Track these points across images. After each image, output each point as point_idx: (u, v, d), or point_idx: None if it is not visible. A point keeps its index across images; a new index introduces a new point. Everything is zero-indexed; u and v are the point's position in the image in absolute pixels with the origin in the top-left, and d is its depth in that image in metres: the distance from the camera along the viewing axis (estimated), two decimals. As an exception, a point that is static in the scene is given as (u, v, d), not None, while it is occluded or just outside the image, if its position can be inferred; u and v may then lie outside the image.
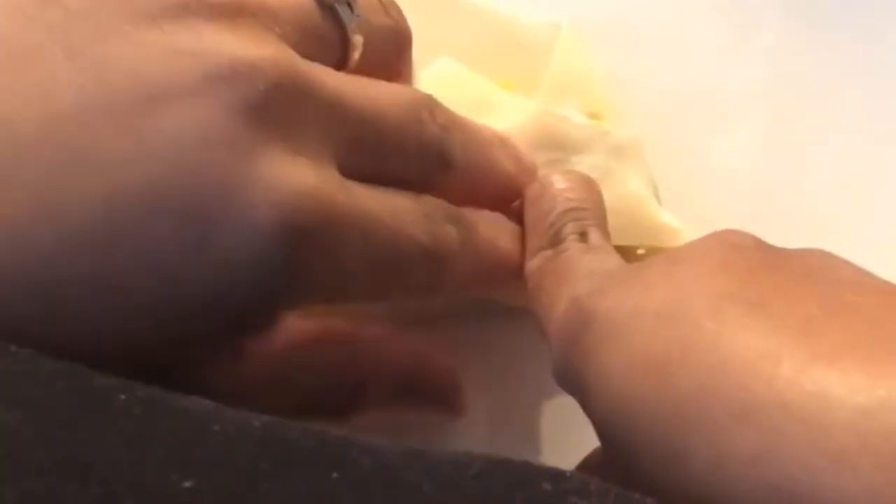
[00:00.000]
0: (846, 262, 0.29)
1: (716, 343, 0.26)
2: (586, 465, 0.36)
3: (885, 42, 0.51)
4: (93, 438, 0.21)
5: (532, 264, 0.37)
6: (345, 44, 0.34)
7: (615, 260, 0.35)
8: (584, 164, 0.41)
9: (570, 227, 0.37)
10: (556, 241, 0.37)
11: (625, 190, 0.42)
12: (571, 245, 0.36)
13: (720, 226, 0.31)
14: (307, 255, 0.29)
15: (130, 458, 0.21)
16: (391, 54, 0.38)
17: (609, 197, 0.39)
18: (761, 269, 0.28)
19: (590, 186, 0.39)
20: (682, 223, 0.42)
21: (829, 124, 0.49)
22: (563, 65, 0.44)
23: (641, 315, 0.28)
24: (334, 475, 0.22)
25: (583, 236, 0.37)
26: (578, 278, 0.34)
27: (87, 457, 0.21)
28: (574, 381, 0.31)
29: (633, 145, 0.43)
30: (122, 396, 0.23)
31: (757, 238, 0.31)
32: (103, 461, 0.21)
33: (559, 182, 0.39)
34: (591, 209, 0.38)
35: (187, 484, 0.21)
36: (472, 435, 0.41)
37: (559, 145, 0.42)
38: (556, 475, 0.24)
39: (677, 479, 0.26)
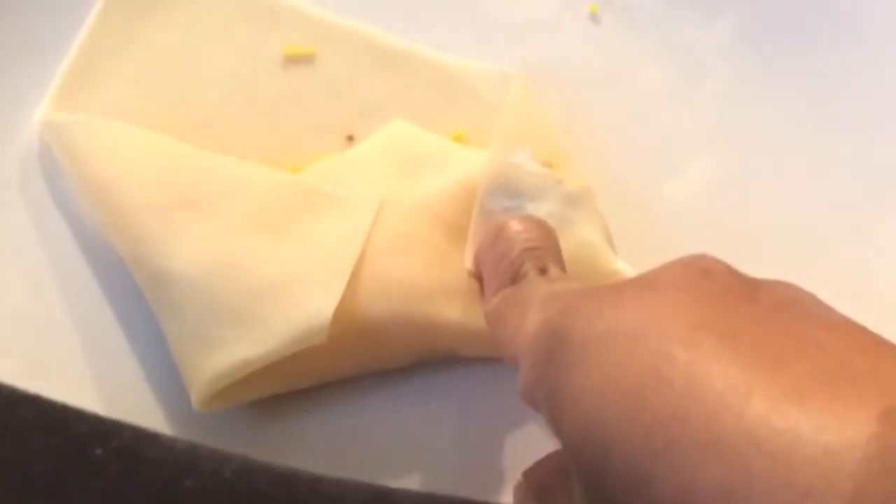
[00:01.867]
0: (811, 296, 0.30)
1: (688, 373, 0.26)
2: (533, 475, 0.36)
3: (829, 86, 0.52)
4: (71, 501, 0.22)
5: (493, 301, 0.38)
6: None
7: (580, 284, 0.35)
8: (539, 213, 0.42)
9: (529, 265, 0.37)
10: (516, 278, 0.37)
11: (579, 238, 0.43)
12: (534, 278, 0.37)
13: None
14: None
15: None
16: None
17: (563, 245, 0.39)
18: (733, 298, 0.29)
19: (545, 228, 0.39)
20: (635, 269, 0.42)
21: (777, 165, 0.50)
22: (514, 114, 0.45)
23: (614, 337, 0.28)
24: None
25: (542, 271, 0.37)
26: (546, 302, 0.33)
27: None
28: (544, 401, 0.31)
29: (586, 194, 0.44)
30: (98, 451, 0.23)
31: (727, 265, 0.31)
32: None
33: (515, 225, 0.39)
34: (547, 248, 0.38)
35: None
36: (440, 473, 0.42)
37: (514, 193, 0.43)
38: None
39: None
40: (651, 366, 0.27)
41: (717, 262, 0.31)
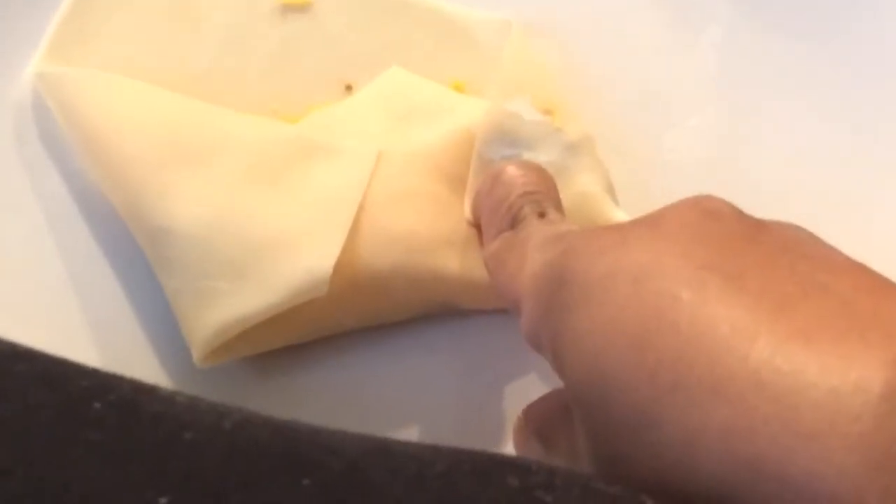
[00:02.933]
0: (816, 239, 0.30)
1: (693, 315, 0.26)
2: (534, 413, 0.36)
3: (830, 33, 0.51)
4: (70, 457, 0.21)
5: (492, 246, 0.37)
6: None
7: (580, 227, 0.35)
8: (538, 161, 0.42)
9: (528, 209, 0.37)
10: (515, 222, 0.37)
11: (577, 187, 0.42)
12: (532, 221, 0.36)
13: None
14: None
15: (106, 475, 0.21)
16: None
17: (562, 194, 0.39)
18: (738, 239, 0.28)
19: (543, 173, 0.39)
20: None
21: (779, 114, 0.49)
22: (514, 63, 0.45)
23: (618, 277, 0.28)
24: (305, 482, 0.22)
25: (541, 215, 0.37)
26: (547, 243, 0.33)
27: (64, 477, 0.21)
28: (547, 342, 0.31)
29: (586, 142, 0.44)
30: (97, 405, 0.23)
31: (733, 206, 0.30)
32: (80, 481, 0.21)
33: (513, 170, 0.39)
34: (546, 192, 0.38)
35: (163, 500, 0.21)
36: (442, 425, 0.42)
37: (512, 142, 0.42)
38: (521, 469, 0.24)
39: (647, 447, 0.26)
40: (655, 307, 0.27)
41: (723, 202, 0.30)
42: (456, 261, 0.42)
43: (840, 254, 0.29)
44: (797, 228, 0.30)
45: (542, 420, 0.35)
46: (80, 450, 0.22)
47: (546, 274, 0.31)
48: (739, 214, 0.30)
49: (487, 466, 0.24)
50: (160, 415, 0.23)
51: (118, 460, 0.22)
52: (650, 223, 0.30)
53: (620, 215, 0.43)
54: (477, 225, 0.41)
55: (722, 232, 0.29)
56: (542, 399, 0.36)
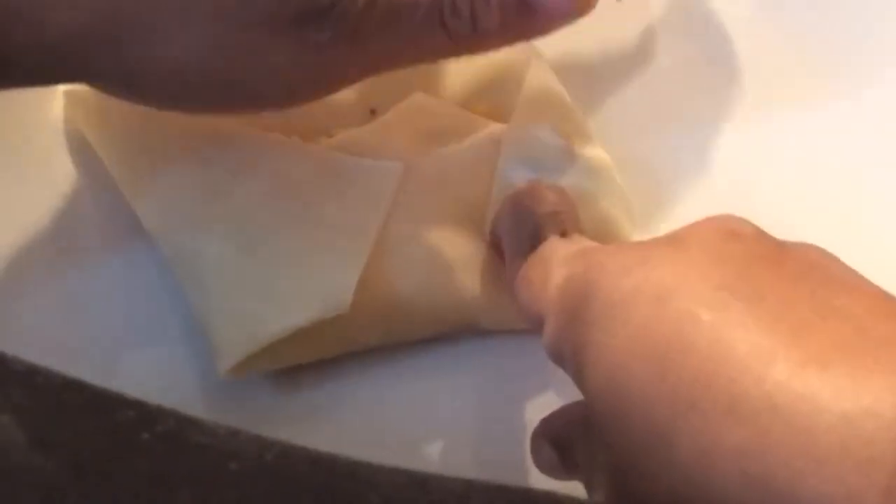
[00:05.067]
0: (838, 262, 0.30)
1: (712, 336, 0.26)
2: (552, 423, 0.37)
3: (852, 50, 0.52)
4: (121, 482, 0.22)
5: (514, 266, 0.38)
6: None
7: (602, 245, 0.36)
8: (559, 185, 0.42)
9: (549, 229, 0.38)
10: (536, 242, 0.38)
11: (598, 211, 0.43)
12: (554, 241, 0.37)
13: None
14: None
15: (155, 501, 0.22)
16: None
17: (582, 218, 0.40)
18: (759, 261, 0.29)
19: (564, 195, 0.40)
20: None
21: (800, 135, 0.50)
22: (534, 89, 0.45)
23: (640, 296, 0.29)
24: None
25: (563, 235, 0.38)
26: (571, 260, 0.34)
27: (116, 501, 0.22)
28: (570, 356, 0.31)
29: (606, 166, 0.44)
30: (145, 435, 0.24)
31: (755, 226, 0.31)
32: (132, 506, 0.22)
33: (534, 192, 0.40)
34: (567, 213, 0.39)
35: (209, 529, 0.22)
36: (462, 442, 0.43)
37: (534, 166, 0.43)
38: (551, 501, 0.25)
39: (663, 463, 0.27)
40: (676, 326, 0.27)
41: (745, 222, 0.31)
42: (477, 281, 0.43)
43: (859, 277, 0.29)
44: (817, 250, 0.31)
45: (560, 430, 0.36)
46: (131, 476, 0.23)
47: (570, 289, 0.32)
48: (761, 235, 0.31)
49: (520, 502, 0.25)
50: (205, 446, 0.24)
51: (167, 488, 0.23)
52: (672, 242, 0.31)
53: (637, 240, 0.43)
54: (497, 246, 0.42)
55: (743, 253, 0.29)
56: (561, 410, 0.37)
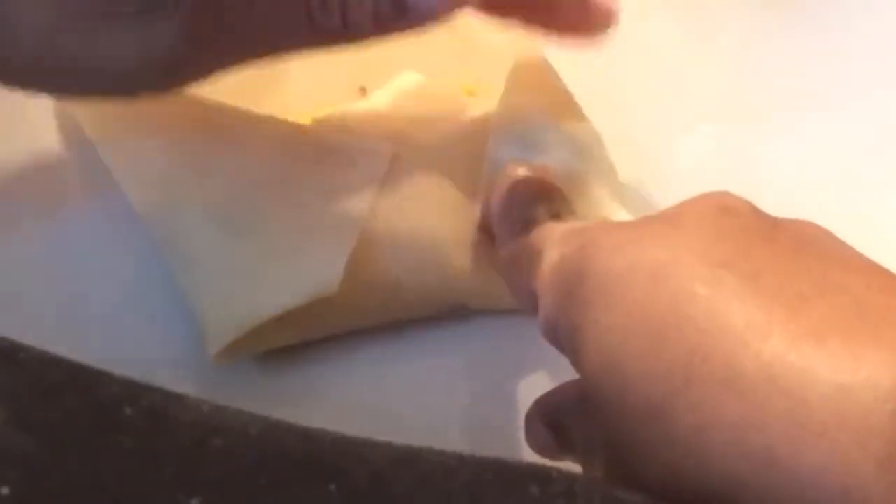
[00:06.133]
0: (834, 237, 0.30)
1: (709, 311, 0.27)
2: (546, 403, 0.37)
3: (846, 40, 0.52)
4: (103, 459, 0.22)
5: (507, 247, 0.38)
6: None
7: (593, 223, 0.36)
8: (548, 163, 0.42)
9: (541, 209, 0.38)
10: (528, 222, 0.38)
11: (586, 190, 0.43)
12: (545, 221, 0.37)
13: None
14: None
15: (139, 477, 0.22)
16: None
17: (572, 196, 0.40)
18: (755, 237, 0.29)
19: (554, 176, 0.40)
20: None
21: (791, 122, 0.50)
22: (524, 67, 0.45)
23: (636, 273, 0.29)
24: (331, 487, 0.23)
25: (554, 216, 0.38)
26: (564, 238, 0.34)
27: (99, 478, 0.22)
28: (565, 335, 0.31)
29: (596, 144, 0.44)
30: (128, 411, 0.23)
31: (750, 203, 0.31)
32: (114, 482, 0.22)
33: (524, 173, 0.40)
34: (557, 194, 0.39)
35: (194, 502, 0.22)
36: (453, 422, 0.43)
37: (523, 145, 0.43)
38: (542, 477, 0.24)
39: (661, 438, 0.27)
40: (672, 302, 0.27)
41: (740, 199, 0.31)
42: (467, 261, 0.42)
43: (855, 252, 0.29)
44: (813, 226, 0.31)
45: (554, 410, 0.36)
46: (114, 453, 0.22)
47: (565, 268, 0.32)
48: (756, 211, 0.31)
49: (510, 476, 0.24)
50: (190, 421, 0.24)
51: (150, 463, 0.22)
52: (668, 219, 0.31)
53: (627, 218, 0.43)
54: (487, 227, 0.42)
55: (739, 229, 0.29)
56: (555, 390, 0.37)
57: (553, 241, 0.34)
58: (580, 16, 0.39)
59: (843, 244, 0.30)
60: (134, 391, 0.24)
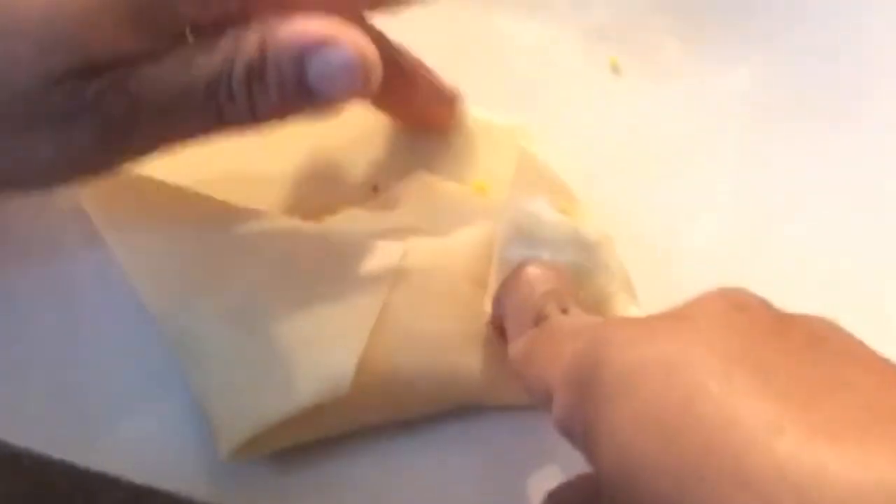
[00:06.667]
0: (845, 333, 0.30)
1: (720, 407, 0.26)
2: (558, 497, 0.37)
3: (849, 133, 0.52)
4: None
5: (518, 343, 0.38)
6: None
7: (605, 319, 0.36)
8: (557, 261, 0.42)
9: (551, 306, 0.38)
10: (539, 319, 0.38)
11: (596, 287, 0.43)
12: (557, 317, 0.37)
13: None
14: None
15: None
16: None
17: (581, 294, 0.40)
18: (765, 333, 0.29)
19: (563, 272, 0.40)
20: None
21: (797, 214, 0.50)
22: (527, 165, 0.45)
23: (649, 369, 0.29)
24: None
25: (564, 311, 0.38)
26: (577, 334, 0.34)
27: None
28: (580, 430, 0.31)
29: (604, 241, 0.44)
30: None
31: (760, 298, 0.31)
32: None
33: (534, 270, 0.40)
34: (567, 290, 0.39)
35: None
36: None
37: (531, 243, 0.43)
38: None
39: None
40: (684, 399, 0.27)
41: (752, 295, 0.31)
42: (479, 359, 0.43)
43: (867, 349, 0.29)
44: (824, 321, 0.31)
45: (567, 503, 0.36)
46: None
47: (578, 364, 0.32)
48: (766, 307, 0.31)
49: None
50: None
51: None
52: (680, 315, 0.31)
53: (636, 314, 0.43)
54: (498, 324, 0.42)
55: (749, 325, 0.29)
56: (566, 484, 0.37)
57: (566, 336, 0.35)
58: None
59: (854, 340, 0.30)
60: (138, 498, 0.24)
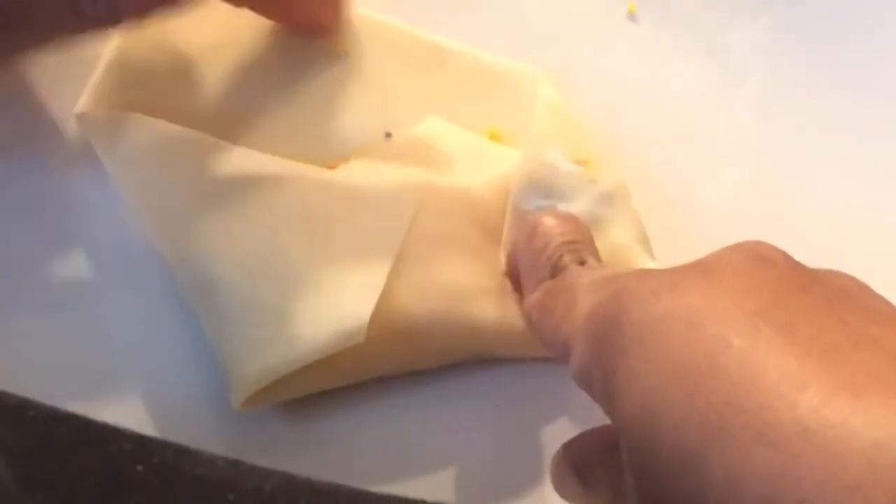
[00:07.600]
0: (868, 289, 0.30)
1: (744, 361, 0.26)
2: (573, 449, 0.36)
3: (867, 86, 0.52)
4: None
5: (534, 295, 0.38)
6: None
7: (626, 270, 0.36)
8: (572, 212, 0.42)
9: (568, 257, 0.38)
10: (555, 270, 0.38)
11: (611, 237, 0.43)
12: (574, 268, 0.37)
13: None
14: None
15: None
16: None
17: (597, 244, 0.40)
18: (790, 288, 0.29)
19: (579, 223, 0.40)
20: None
21: (814, 167, 0.50)
22: (547, 113, 0.45)
23: (672, 321, 0.29)
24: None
25: (581, 263, 0.38)
26: (596, 286, 0.34)
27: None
28: (599, 382, 0.31)
29: (620, 192, 0.44)
30: (140, 468, 0.23)
31: (785, 253, 0.31)
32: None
33: (550, 220, 0.40)
34: (583, 241, 0.39)
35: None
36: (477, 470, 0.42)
37: (547, 193, 0.43)
38: None
39: (693, 489, 0.26)
40: (707, 351, 0.27)
41: (775, 249, 0.31)
42: (493, 309, 0.42)
43: (890, 305, 0.29)
44: (848, 278, 0.31)
45: (582, 456, 0.36)
46: (125, 511, 0.22)
47: (599, 314, 0.32)
48: (792, 262, 0.31)
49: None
50: (202, 478, 0.24)
51: (161, 522, 0.22)
52: (703, 268, 0.31)
53: (652, 266, 0.43)
54: (512, 274, 0.42)
55: (774, 279, 0.29)
56: (582, 436, 0.37)
57: (584, 287, 0.34)
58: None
59: (877, 296, 0.30)
60: (146, 448, 0.24)
